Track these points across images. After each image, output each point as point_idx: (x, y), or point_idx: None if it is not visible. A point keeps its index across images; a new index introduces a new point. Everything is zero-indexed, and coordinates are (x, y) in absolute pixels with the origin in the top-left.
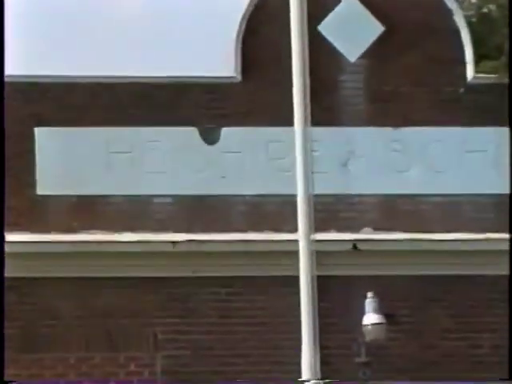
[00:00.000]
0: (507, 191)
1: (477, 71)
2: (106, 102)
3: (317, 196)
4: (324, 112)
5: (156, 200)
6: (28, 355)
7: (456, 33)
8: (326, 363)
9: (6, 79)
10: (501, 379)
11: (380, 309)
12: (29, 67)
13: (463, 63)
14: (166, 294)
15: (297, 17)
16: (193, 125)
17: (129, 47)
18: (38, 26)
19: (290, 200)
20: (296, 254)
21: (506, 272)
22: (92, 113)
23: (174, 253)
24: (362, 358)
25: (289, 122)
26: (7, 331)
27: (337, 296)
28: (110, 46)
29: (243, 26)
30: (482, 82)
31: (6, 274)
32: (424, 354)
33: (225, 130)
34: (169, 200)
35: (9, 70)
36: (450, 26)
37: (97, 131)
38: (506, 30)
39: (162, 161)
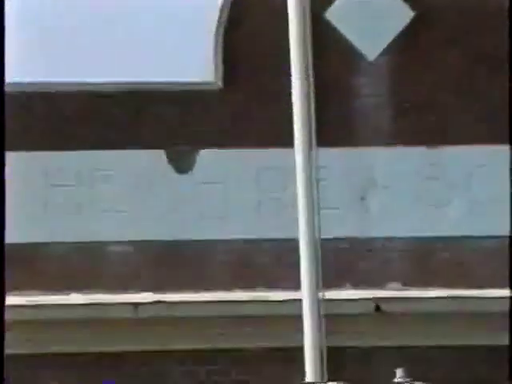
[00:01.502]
0: None
1: None
2: (41, 116)
3: (325, 241)
4: (334, 128)
5: (111, 248)
6: None
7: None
8: None
9: None
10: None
11: None
12: None
13: None
14: (126, 374)
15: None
16: (159, 147)
17: (73, 47)
18: None
19: (290, 246)
20: (299, 318)
21: None
22: (19, 132)
23: (136, 320)
24: None
25: (287, 143)
26: None
27: (354, 374)
28: (48, 45)
29: (224, 15)
30: None
31: None
32: None
33: (202, 154)
34: (129, 248)
35: None
36: (501, 12)
37: (30, 157)
38: None
39: (118, 196)
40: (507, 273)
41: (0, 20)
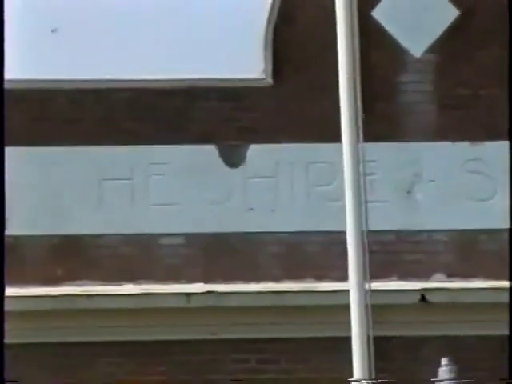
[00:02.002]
0: None
1: None
2: (95, 113)
3: (372, 233)
4: (380, 123)
5: (163, 240)
6: None
7: None
8: None
9: None
10: (501, 379)
11: (458, 378)
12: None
13: None
14: (178, 362)
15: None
16: (210, 142)
17: (126, 44)
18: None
19: (338, 238)
20: (346, 308)
21: None
22: (78, 128)
23: (187, 309)
24: None
25: (335, 138)
26: None
27: (400, 363)
28: (101, 42)
29: (274, 15)
30: None
31: None
32: None
33: (252, 149)
34: (180, 240)
35: None
36: None
37: (84, 151)
38: None
39: (170, 189)
40: None
41: (0, 20)
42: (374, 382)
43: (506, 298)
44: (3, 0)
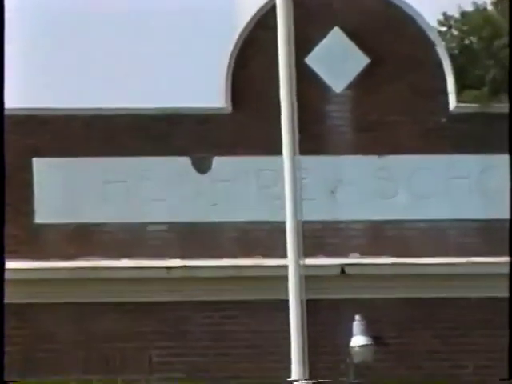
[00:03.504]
0: (490, 216)
1: (459, 101)
2: (102, 133)
3: (305, 222)
4: (312, 141)
5: (151, 227)
6: (27, 379)
7: (439, 64)
8: None
9: (5, 112)
10: (501, 379)
11: (367, 331)
12: (27, 99)
13: (446, 93)
14: (160, 318)
15: (284, 50)
16: (186, 154)
17: (124, 80)
18: (36, 59)
19: (280, 226)
20: (285, 278)
21: (489, 294)
22: (89, 144)
23: (168, 279)
24: (350, 379)
25: (278, 151)
26: (7, 356)
27: (325, 319)
28: (107, 78)
29: (233, 59)
30: (464, 111)
31: (6, 300)
32: (410, 374)
33: (216, 160)
34: (163, 227)
35: (8, 103)
36: (432, 58)
37: (93, 161)
38: (487, 62)
39: (156, 189)
40: (440, 245)
41: (0, 25)
42: (313, 382)
43: (404, 270)
44: (3, 2)
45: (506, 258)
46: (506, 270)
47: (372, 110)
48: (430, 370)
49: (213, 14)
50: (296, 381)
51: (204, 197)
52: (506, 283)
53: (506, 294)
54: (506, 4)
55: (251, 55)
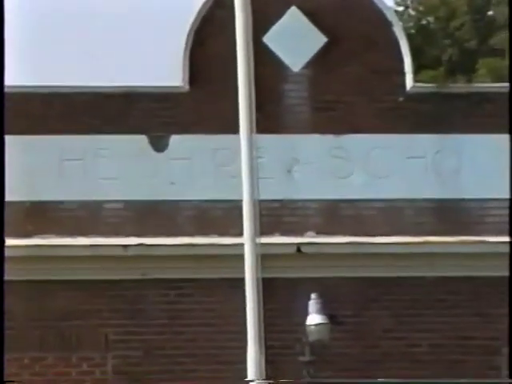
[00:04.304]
0: (446, 196)
1: (416, 80)
2: (60, 111)
3: (262, 201)
4: (269, 120)
5: (107, 205)
6: None
7: (396, 44)
8: (271, 362)
9: None
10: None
11: (323, 310)
12: None
13: (403, 73)
14: (117, 296)
15: (242, 29)
16: (142, 133)
17: (82, 58)
18: None
19: (236, 205)
20: (242, 257)
21: (445, 274)
22: (46, 122)
23: (124, 256)
24: (306, 358)
25: (235, 130)
26: None
27: (281, 297)
28: (64, 56)
29: (191, 38)
30: (420, 91)
31: None
32: (365, 353)
33: (173, 138)
34: (120, 205)
35: None
36: (389, 38)
37: (51, 139)
38: (443, 42)
39: (113, 168)
40: (396, 224)
41: (0, 22)
42: (269, 382)
43: (360, 249)
44: (3, 2)
45: (461, 238)
46: (462, 250)
47: (329, 89)
48: (386, 348)
49: None
50: (252, 381)
51: (161, 175)
52: (461, 262)
53: (460, 273)
54: None
55: (209, 34)
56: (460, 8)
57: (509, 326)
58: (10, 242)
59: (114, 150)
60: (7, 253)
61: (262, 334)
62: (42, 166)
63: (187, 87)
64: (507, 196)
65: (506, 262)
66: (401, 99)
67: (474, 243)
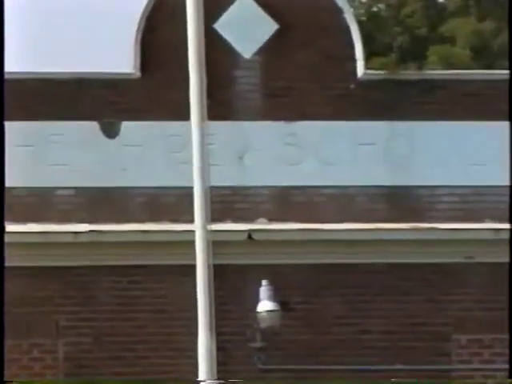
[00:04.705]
0: (397, 183)
1: (367, 67)
2: (10, 97)
3: (213, 188)
4: (220, 107)
5: (59, 192)
6: None
7: (347, 31)
8: (222, 349)
9: None
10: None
11: (274, 296)
12: None
13: (354, 60)
14: (68, 282)
15: (193, 15)
16: (94, 119)
17: (33, 44)
18: None
19: (188, 192)
20: (193, 243)
21: (396, 260)
22: None
23: (75, 243)
24: (257, 344)
25: (186, 117)
26: None
27: (233, 284)
28: (15, 42)
29: (142, 24)
30: (371, 77)
31: None
32: (316, 339)
33: (125, 125)
34: (71, 192)
35: None
36: (340, 24)
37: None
38: (394, 29)
39: (64, 154)
40: (347, 211)
41: (0, 24)
42: (220, 382)
43: (311, 236)
44: (3, 1)
45: (413, 224)
46: (413, 236)
47: (280, 76)
48: (337, 335)
49: None
50: (203, 381)
51: (112, 162)
52: (412, 249)
53: (412, 260)
54: None
55: (160, 20)
56: None
57: (509, 326)
58: None
59: (66, 137)
60: None
61: (213, 321)
62: None
63: (138, 74)
64: (458, 183)
65: (457, 249)
66: (352, 86)
67: (425, 230)
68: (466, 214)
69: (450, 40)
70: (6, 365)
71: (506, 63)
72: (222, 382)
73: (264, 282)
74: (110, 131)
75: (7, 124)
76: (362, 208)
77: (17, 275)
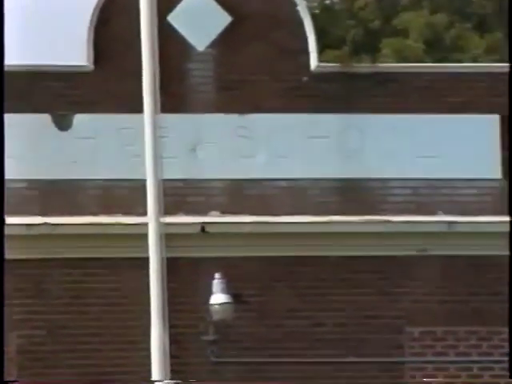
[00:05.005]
0: (349, 175)
1: (320, 60)
2: None
3: (166, 181)
4: (173, 99)
5: (11, 184)
6: None
7: (300, 24)
8: (175, 342)
9: None
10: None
11: (227, 289)
12: None
13: (307, 53)
14: (21, 275)
15: (146, 8)
16: (46, 112)
17: None
18: None
19: (140, 184)
20: (146, 236)
21: (349, 253)
22: None
23: (28, 236)
24: (210, 337)
25: (139, 110)
26: None
27: (185, 277)
28: None
29: (95, 17)
30: (324, 70)
31: None
32: (269, 332)
33: (77, 117)
34: (24, 184)
35: None
36: (294, 17)
37: None
38: (347, 22)
39: (16, 146)
40: (299, 203)
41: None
42: (175, 382)
43: (264, 228)
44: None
45: (365, 217)
46: (365, 229)
47: (234, 68)
48: (290, 328)
49: None
50: (160, 381)
51: (65, 154)
52: (365, 241)
53: (364, 253)
54: None
55: (114, 13)
56: None
57: (509, 324)
58: None
59: (18, 129)
60: None
61: (166, 314)
62: None
63: (91, 66)
64: (410, 176)
65: (409, 241)
66: (305, 79)
67: (377, 223)
68: (418, 207)
69: (403, 33)
70: None
71: (458, 56)
72: (178, 382)
73: (217, 275)
74: (63, 124)
75: None
76: (314, 201)
77: None
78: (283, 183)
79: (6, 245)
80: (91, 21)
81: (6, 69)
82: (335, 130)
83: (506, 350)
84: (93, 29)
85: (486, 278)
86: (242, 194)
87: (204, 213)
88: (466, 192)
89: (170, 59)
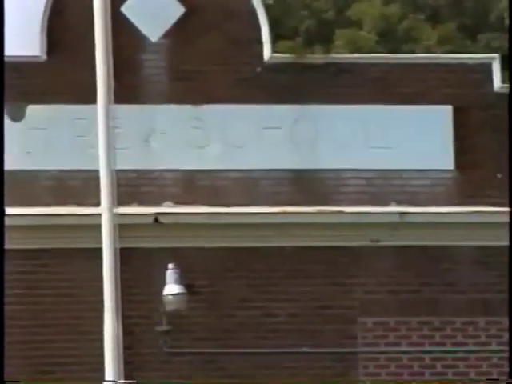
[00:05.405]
0: (303, 166)
1: (273, 51)
2: None
3: (119, 171)
4: (127, 90)
5: None
6: None
7: (253, 14)
8: (129, 332)
9: None
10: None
11: (180, 280)
12: None
13: (260, 43)
14: None
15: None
16: None
17: None
18: None
19: (94, 175)
20: (99, 227)
21: (302, 244)
22: None
23: None
24: (163, 327)
25: (93, 100)
26: None
27: (139, 268)
28: None
29: (49, 7)
30: (278, 61)
31: None
32: (221, 322)
33: (30, 108)
34: None
35: None
36: (247, 8)
37: None
38: (301, 13)
39: None
40: (253, 194)
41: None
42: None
43: (217, 219)
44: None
45: (318, 208)
46: (318, 220)
47: (187, 59)
48: (242, 318)
49: None
50: (114, 381)
51: (18, 145)
52: (318, 232)
53: (317, 244)
54: None
55: (67, 3)
56: None
57: (509, 323)
58: None
59: None
60: None
61: (119, 304)
62: None
63: (45, 57)
64: (363, 166)
65: (362, 232)
66: (258, 69)
67: (330, 213)
68: (371, 198)
69: (357, 24)
70: None
71: (411, 47)
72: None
73: (170, 265)
74: (16, 114)
75: None
76: (267, 191)
77: None
78: (236, 174)
79: None
80: (45, 11)
81: None
82: (288, 121)
83: (459, 339)
84: (46, 19)
85: (439, 268)
86: (195, 184)
87: (157, 203)
88: (419, 183)
89: (123, 50)
